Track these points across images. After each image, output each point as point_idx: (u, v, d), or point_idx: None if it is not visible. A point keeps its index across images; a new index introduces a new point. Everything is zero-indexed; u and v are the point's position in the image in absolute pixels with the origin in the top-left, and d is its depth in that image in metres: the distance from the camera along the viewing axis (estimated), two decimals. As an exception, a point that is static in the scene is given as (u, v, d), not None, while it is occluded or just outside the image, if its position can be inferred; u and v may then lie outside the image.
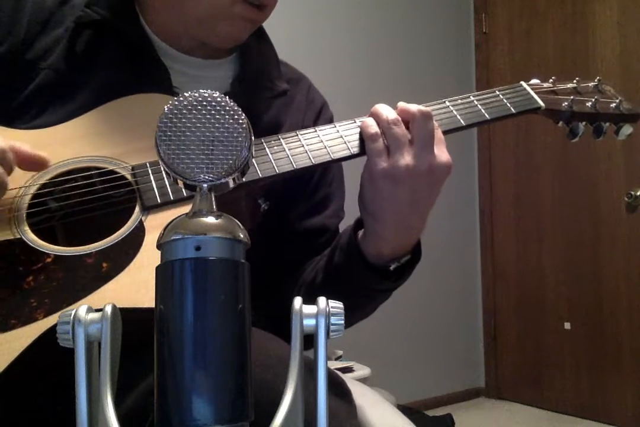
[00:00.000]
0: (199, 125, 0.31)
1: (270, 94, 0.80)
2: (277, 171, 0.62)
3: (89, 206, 0.62)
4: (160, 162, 0.32)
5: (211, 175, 0.31)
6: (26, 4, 0.72)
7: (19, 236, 0.58)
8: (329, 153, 0.64)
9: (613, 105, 0.79)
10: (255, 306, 0.30)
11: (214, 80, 0.78)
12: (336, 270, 0.70)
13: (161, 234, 0.30)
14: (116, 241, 0.57)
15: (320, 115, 0.85)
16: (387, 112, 0.64)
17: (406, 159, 0.61)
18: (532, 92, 0.76)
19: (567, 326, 2.72)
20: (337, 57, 2.59)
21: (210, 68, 0.79)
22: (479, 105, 0.71)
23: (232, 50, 0.81)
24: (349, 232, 0.70)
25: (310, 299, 0.32)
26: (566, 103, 0.76)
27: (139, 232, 0.58)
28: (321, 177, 0.83)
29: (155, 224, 0.59)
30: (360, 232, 0.69)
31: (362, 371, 2.11)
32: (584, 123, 0.78)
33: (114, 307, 0.31)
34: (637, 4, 2.47)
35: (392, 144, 0.62)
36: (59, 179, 0.62)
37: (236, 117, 0.32)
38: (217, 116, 0.32)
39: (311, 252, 0.79)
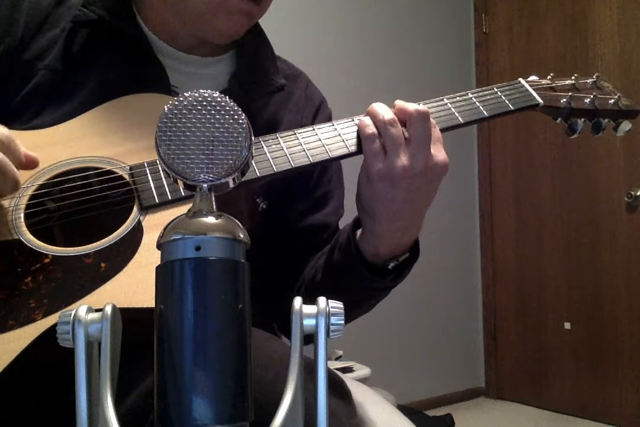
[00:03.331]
0: (199, 125, 0.31)
1: (268, 89, 0.80)
2: (275, 170, 0.62)
3: (87, 206, 0.62)
4: (160, 162, 0.32)
5: (211, 175, 0.31)
6: (22, 5, 0.72)
7: (17, 237, 0.58)
8: (327, 151, 0.64)
9: (612, 101, 0.79)
10: (256, 307, 0.30)
11: (212, 77, 0.78)
12: (335, 269, 0.70)
13: (161, 234, 0.30)
14: (114, 241, 0.57)
15: (319, 112, 0.85)
16: (383, 111, 0.64)
17: (402, 159, 0.61)
18: (530, 89, 0.76)
19: (567, 326, 2.72)
20: (337, 58, 2.58)
21: (208, 66, 0.79)
22: (477, 103, 0.71)
23: (229, 48, 0.81)
24: (347, 231, 0.70)
25: (309, 298, 0.32)
26: (565, 99, 0.76)
27: (137, 232, 0.58)
28: (320, 174, 0.83)
29: (153, 224, 0.59)
30: (359, 232, 0.69)
31: (362, 371, 2.12)
32: (582, 119, 0.78)
33: (113, 307, 0.31)
34: (637, 4, 2.47)
35: (388, 144, 0.62)
36: (57, 179, 0.62)
37: (236, 117, 0.32)
38: (217, 116, 0.31)
39: (312, 249, 0.79)
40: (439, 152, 0.63)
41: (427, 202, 0.65)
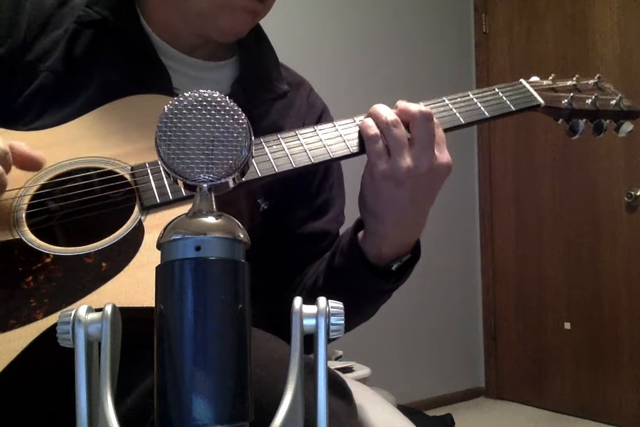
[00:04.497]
0: (199, 125, 0.31)
1: (270, 96, 0.80)
2: (277, 170, 0.62)
3: (88, 206, 0.62)
4: (160, 162, 0.32)
5: (211, 175, 0.31)
6: (25, 6, 0.72)
7: (18, 237, 0.58)
8: (328, 152, 0.64)
9: (613, 102, 0.78)
10: (256, 307, 0.30)
11: (215, 82, 0.78)
12: (337, 272, 0.70)
13: (161, 234, 0.30)
14: (115, 240, 0.57)
15: (320, 120, 0.85)
16: (385, 112, 0.63)
17: (406, 160, 0.61)
18: (531, 90, 0.76)
19: (567, 326, 2.72)
20: (337, 58, 2.58)
21: (211, 70, 0.79)
22: (478, 103, 0.71)
23: (233, 53, 0.81)
24: (349, 234, 0.69)
25: (311, 303, 0.32)
26: (566, 100, 0.76)
27: (138, 232, 0.58)
28: (321, 182, 0.82)
29: (154, 223, 0.59)
30: (361, 234, 0.69)
31: (362, 371, 2.12)
32: (584, 120, 0.78)
33: (114, 307, 0.31)
34: (637, 4, 2.47)
35: (392, 145, 0.62)
36: (59, 179, 0.62)
37: (236, 117, 0.32)
38: (217, 116, 0.31)
39: (312, 256, 0.78)
40: (442, 153, 0.63)
41: (430, 201, 0.65)
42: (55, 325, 0.31)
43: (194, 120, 0.31)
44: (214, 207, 0.31)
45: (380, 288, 0.69)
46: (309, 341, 0.32)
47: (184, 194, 0.60)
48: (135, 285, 0.54)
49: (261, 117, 0.77)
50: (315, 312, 0.31)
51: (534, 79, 0.79)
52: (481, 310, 3.10)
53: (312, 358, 0.32)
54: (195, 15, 0.72)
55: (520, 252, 2.92)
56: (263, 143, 0.64)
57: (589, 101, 0.77)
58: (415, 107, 0.63)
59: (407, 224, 0.65)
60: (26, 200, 0.60)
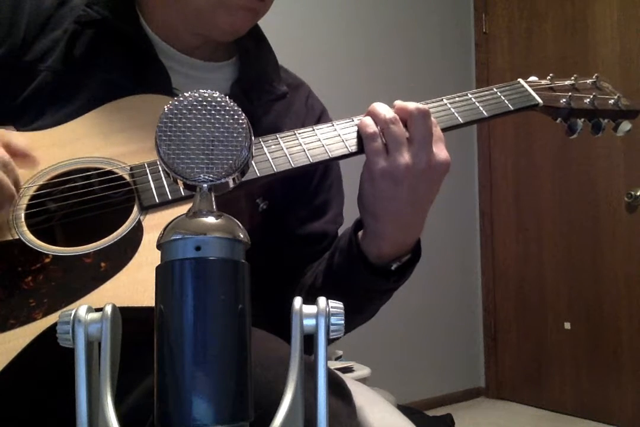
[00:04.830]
0: (199, 125, 0.31)
1: (269, 97, 0.80)
2: (275, 170, 0.62)
3: (88, 207, 0.62)
4: (160, 162, 0.32)
5: (211, 175, 0.31)
6: (25, 6, 0.72)
7: (17, 237, 0.58)
8: (327, 152, 0.64)
9: (611, 101, 0.79)
10: (256, 307, 0.30)
11: (214, 82, 0.78)
12: (336, 272, 0.70)
13: (161, 234, 0.30)
14: (114, 240, 0.57)
15: (320, 122, 0.85)
16: (384, 110, 0.64)
17: (405, 158, 0.61)
18: (529, 89, 0.76)
19: (567, 326, 2.72)
20: (337, 58, 2.59)
21: (211, 70, 0.79)
22: (476, 103, 0.71)
23: (232, 54, 0.81)
24: (348, 234, 0.69)
25: (311, 303, 0.32)
26: (564, 100, 0.76)
27: (137, 232, 0.58)
28: (320, 182, 0.83)
29: (153, 223, 0.59)
30: (360, 233, 0.69)
31: (362, 371, 2.12)
32: (582, 120, 0.78)
33: (113, 307, 0.31)
34: (637, 4, 2.47)
35: (390, 143, 0.62)
36: (58, 179, 0.62)
37: (236, 117, 0.32)
38: (217, 116, 0.31)
39: (311, 257, 0.78)
40: (440, 151, 0.63)
41: (430, 200, 0.66)
42: (54, 325, 0.31)
43: (194, 120, 0.31)
44: (214, 207, 0.31)
45: (379, 288, 0.69)
46: (309, 341, 0.32)
47: (182, 193, 0.60)
48: (134, 285, 0.54)
49: (260, 118, 0.77)
50: (315, 312, 0.31)
51: (532, 78, 0.79)
52: (481, 310, 3.09)
53: (312, 358, 0.32)
54: (193, 13, 0.72)
55: (521, 252, 2.92)
56: (262, 143, 0.64)
57: (587, 100, 0.77)
58: (412, 105, 0.64)
59: (406, 223, 0.65)
60: (25, 200, 0.60)
